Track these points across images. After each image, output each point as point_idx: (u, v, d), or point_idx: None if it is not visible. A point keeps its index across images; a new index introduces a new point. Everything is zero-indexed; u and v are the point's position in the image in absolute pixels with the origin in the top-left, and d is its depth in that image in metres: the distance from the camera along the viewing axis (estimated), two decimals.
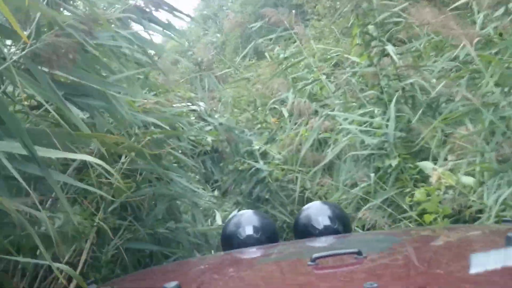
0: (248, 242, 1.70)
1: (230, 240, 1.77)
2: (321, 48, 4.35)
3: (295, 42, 4.72)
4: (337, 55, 4.28)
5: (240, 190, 5.42)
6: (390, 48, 3.37)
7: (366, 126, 3.29)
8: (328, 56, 4.37)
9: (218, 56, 7.03)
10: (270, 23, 4.38)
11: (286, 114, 4.94)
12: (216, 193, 6.08)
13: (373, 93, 3.55)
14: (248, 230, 1.74)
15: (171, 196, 2.96)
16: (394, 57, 3.30)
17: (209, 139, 4.49)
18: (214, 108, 5.50)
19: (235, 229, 1.76)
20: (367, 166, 3.31)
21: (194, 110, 4.78)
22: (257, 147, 5.32)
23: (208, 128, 4.67)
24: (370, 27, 3.53)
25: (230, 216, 2.24)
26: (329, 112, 3.46)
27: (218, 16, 19.11)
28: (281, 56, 4.82)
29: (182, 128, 3.53)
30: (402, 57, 3.63)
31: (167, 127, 2.80)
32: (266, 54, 5.11)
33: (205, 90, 5.07)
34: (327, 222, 1.73)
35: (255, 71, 6.13)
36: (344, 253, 1.05)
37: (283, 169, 5.00)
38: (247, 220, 1.81)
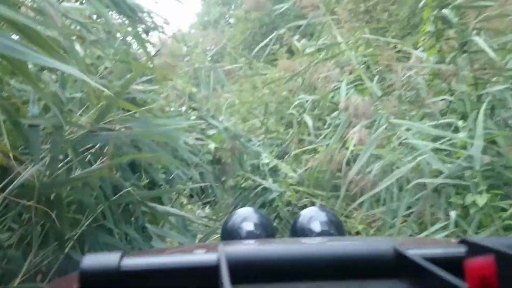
0: (249, 238, 1.56)
1: (230, 236, 1.61)
2: (370, 38, 3.37)
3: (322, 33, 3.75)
4: (394, 49, 3.32)
5: None
6: (478, 40, 2.44)
7: (442, 144, 2.33)
8: (373, 50, 3.38)
9: (227, 49, 6.04)
10: (301, 6, 3.42)
11: (309, 123, 3.96)
12: (207, 211, 5.10)
13: (446, 99, 2.61)
14: (249, 227, 1.60)
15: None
16: (489, 51, 2.36)
17: (212, 146, 3.50)
18: (218, 110, 4.51)
19: (236, 225, 1.61)
20: (435, 201, 2.35)
21: (194, 109, 3.80)
22: (266, 161, 4.34)
23: (211, 132, 3.68)
24: (446, 11, 2.60)
25: (230, 213, 1.89)
26: (394, 120, 2.49)
27: (219, 23, 18.55)
28: (308, 50, 3.84)
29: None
30: (484, 55, 2.70)
31: None
32: (296, 43, 4.10)
33: (209, 86, 4.09)
34: (324, 226, 1.55)
35: (272, 67, 5.14)
36: None
37: (297, 191, 4.02)
38: (247, 217, 1.65)
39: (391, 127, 2.60)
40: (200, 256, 0.44)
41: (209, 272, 0.40)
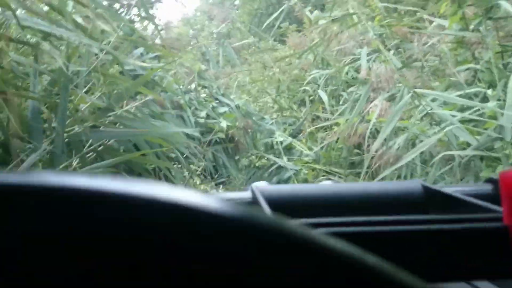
0: None
1: None
2: (389, 7, 3.18)
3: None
4: (414, 16, 3.13)
5: None
6: (505, 4, 2.27)
7: (470, 114, 2.18)
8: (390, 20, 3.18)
9: (234, 27, 5.84)
10: None
11: (325, 98, 3.81)
12: (221, 191, 5.00)
13: (471, 69, 2.44)
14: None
15: None
16: None
17: (224, 124, 3.37)
18: (229, 88, 4.37)
19: None
20: (463, 175, 2.21)
21: (204, 87, 3.67)
22: (280, 139, 4.21)
23: (222, 110, 3.55)
24: None
25: (244, 188, 1.94)
26: (418, 90, 2.33)
27: (225, 5, 18.25)
28: (321, 22, 3.66)
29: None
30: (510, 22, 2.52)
31: None
32: (308, 14, 3.90)
33: (219, 63, 3.95)
34: None
35: (281, 45, 4.97)
36: None
37: (313, 169, 3.89)
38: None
39: (415, 98, 2.45)
40: (235, 194, 0.43)
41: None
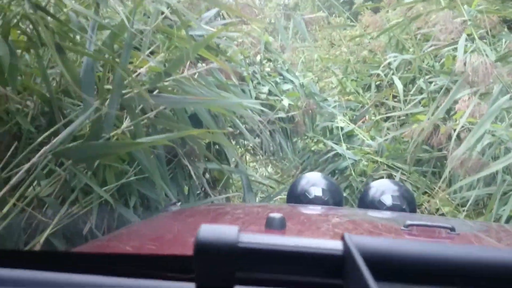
0: (316, 203, 1.70)
1: (297, 200, 1.76)
2: None
3: None
4: None
5: None
6: None
7: None
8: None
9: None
10: None
11: (399, 86, 3.47)
12: (270, 170, 4.80)
13: None
14: (317, 191, 1.74)
15: None
16: None
17: (286, 102, 3.13)
18: (294, 64, 4.09)
19: (304, 189, 1.76)
20: None
21: (269, 60, 3.42)
22: (341, 124, 3.93)
23: (286, 87, 3.30)
24: None
25: (299, 177, 2.08)
26: None
27: None
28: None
29: None
30: None
31: None
32: None
33: (288, 36, 3.68)
34: (396, 201, 1.70)
35: (356, 20, 4.61)
36: (438, 226, 1.02)
37: (374, 162, 3.60)
38: (316, 181, 1.80)
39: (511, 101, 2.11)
40: (325, 242, 0.39)
41: (334, 261, 0.37)
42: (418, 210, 3.26)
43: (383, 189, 1.83)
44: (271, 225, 0.87)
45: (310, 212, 1.41)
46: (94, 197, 1.81)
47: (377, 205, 1.77)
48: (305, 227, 1.09)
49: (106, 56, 1.58)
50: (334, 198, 1.81)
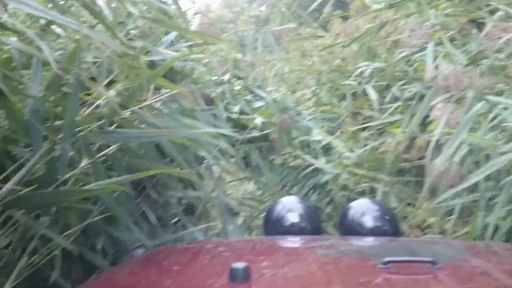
0: (293, 230, 1.66)
1: (273, 227, 1.71)
2: None
3: None
4: (487, 7, 2.68)
5: (288, 194, 3.97)
6: None
7: None
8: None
9: (275, 12, 5.42)
10: None
11: (373, 95, 3.41)
12: (251, 187, 4.69)
13: None
14: (293, 218, 1.69)
15: None
16: None
17: (259, 120, 3.04)
18: (265, 79, 4.01)
19: (280, 215, 1.71)
20: None
21: (239, 77, 3.33)
22: (317, 137, 3.84)
23: (258, 104, 3.21)
24: None
25: (274, 202, 2.00)
26: (492, 97, 1.94)
27: None
28: (375, 6, 3.23)
29: None
30: None
31: None
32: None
33: (256, 51, 3.60)
34: (377, 222, 1.64)
35: (325, 30, 4.56)
36: (418, 261, 0.99)
37: (355, 174, 3.51)
38: (291, 207, 1.75)
39: (486, 105, 2.06)
40: None
41: None
42: (403, 223, 3.19)
43: (363, 210, 1.78)
44: (234, 278, 0.84)
45: (279, 253, 1.33)
46: (56, 243, 1.68)
47: (357, 228, 1.71)
48: (270, 278, 0.98)
49: (52, 98, 1.46)
50: (312, 223, 1.75)
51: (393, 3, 2.88)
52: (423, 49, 2.84)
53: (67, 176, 1.59)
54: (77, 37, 1.99)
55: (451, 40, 2.99)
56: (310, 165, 3.71)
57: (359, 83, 3.79)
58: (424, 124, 2.88)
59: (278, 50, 4.29)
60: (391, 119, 3.06)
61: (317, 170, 3.70)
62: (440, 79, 2.10)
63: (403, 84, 3.35)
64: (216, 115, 2.70)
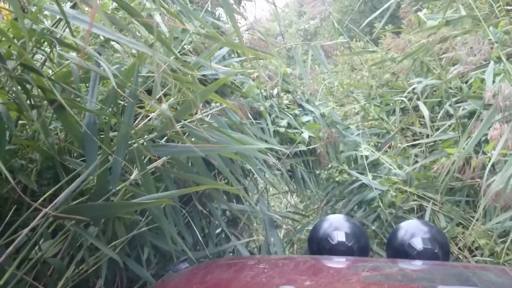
0: (339, 250, 1.62)
1: (318, 245, 1.67)
2: None
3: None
4: None
5: (333, 209, 3.91)
6: None
7: None
8: None
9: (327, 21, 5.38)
10: None
11: (425, 112, 3.31)
12: (294, 200, 4.66)
13: None
14: (340, 236, 1.64)
15: None
16: None
17: (306, 135, 3.02)
18: (314, 93, 3.98)
19: (326, 233, 1.67)
20: None
21: (288, 91, 3.33)
22: (365, 153, 3.78)
23: (305, 118, 3.19)
24: None
25: (320, 219, 1.96)
26: None
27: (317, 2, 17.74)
28: (431, 23, 3.14)
29: None
30: None
31: None
32: (419, 15, 3.36)
33: (306, 65, 3.58)
34: (427, 244, 1.59)
35: (373, 47, 4.49)
36: None
37: (403, 192, 3.43)
38: (338, 225, 1.71)
39: None
40: None
41: None
42: (452, 243, 3.07)
43: (413, 231, 1.72)
44: None
45: (323, 272, 1.30)
46: (103, 253, 1.72)
47: (406, 249, 1.66)
48: None
49: (109, 111, 1.50)
50: (358, 243, 1.70)
51: (450, 20, 2.79)
52: (479, 67, 2.74)
53: (119, 187, 1.64)
54: (133, 51, 2.06)
55: (508, 57, 2.88)
56: (356, 180, 3.65)
57: (410, 99, 3.70)
58: (479, 143, 2.77)
59: (328, 64, 4.25)
60: (444, 136, 2.96)
61: (363, 186, 3.63)
62: (499, 98, 2.01)
63: (456, 102, 3.24)
64: (263, 129, 2.69)
